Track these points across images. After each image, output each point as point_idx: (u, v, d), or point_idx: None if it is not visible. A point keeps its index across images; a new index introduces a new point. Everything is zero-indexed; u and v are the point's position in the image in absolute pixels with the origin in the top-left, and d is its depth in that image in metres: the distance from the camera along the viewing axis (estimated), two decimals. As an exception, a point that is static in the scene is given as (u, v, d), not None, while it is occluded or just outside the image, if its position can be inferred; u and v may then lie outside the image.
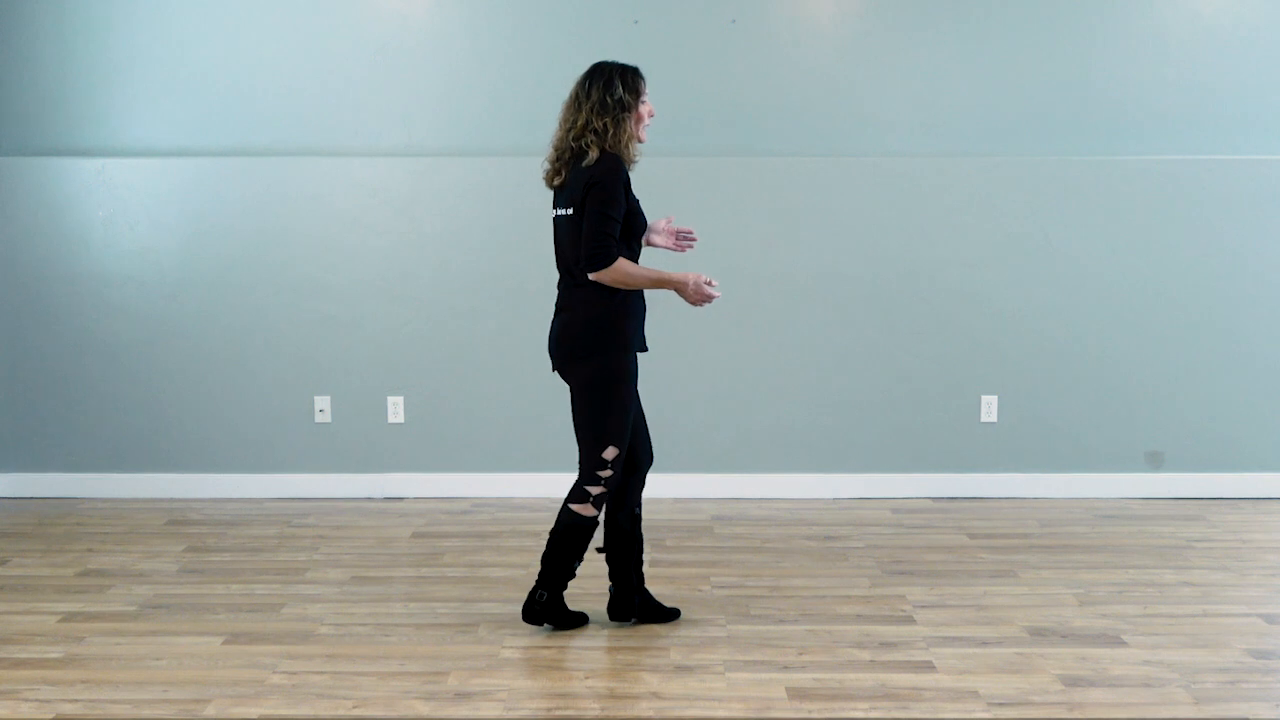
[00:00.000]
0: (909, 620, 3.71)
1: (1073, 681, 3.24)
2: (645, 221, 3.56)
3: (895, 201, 5.16)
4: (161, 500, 5.22)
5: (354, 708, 3.09)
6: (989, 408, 5.23)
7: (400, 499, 5.25)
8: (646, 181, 5.13)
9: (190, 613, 3.80)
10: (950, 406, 5.23)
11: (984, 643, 3.52)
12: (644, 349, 3.60)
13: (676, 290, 3.47)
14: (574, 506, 3.52)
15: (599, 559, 3.80)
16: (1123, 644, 3.51)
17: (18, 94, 5.18)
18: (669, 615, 3.71)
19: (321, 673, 3.31)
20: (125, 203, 5.16)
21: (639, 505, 3.67)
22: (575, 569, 3.59)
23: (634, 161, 3.51)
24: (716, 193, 5.16)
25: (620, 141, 3.44)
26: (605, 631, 3.62)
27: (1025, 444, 5.24)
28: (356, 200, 5.16)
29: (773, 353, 5.23)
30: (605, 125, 3.43)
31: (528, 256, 5.19)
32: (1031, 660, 3.39)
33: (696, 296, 3.47)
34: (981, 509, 5.06)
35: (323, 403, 5.25)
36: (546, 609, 3.59)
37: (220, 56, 5.15)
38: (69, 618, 3.75)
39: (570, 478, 5.25)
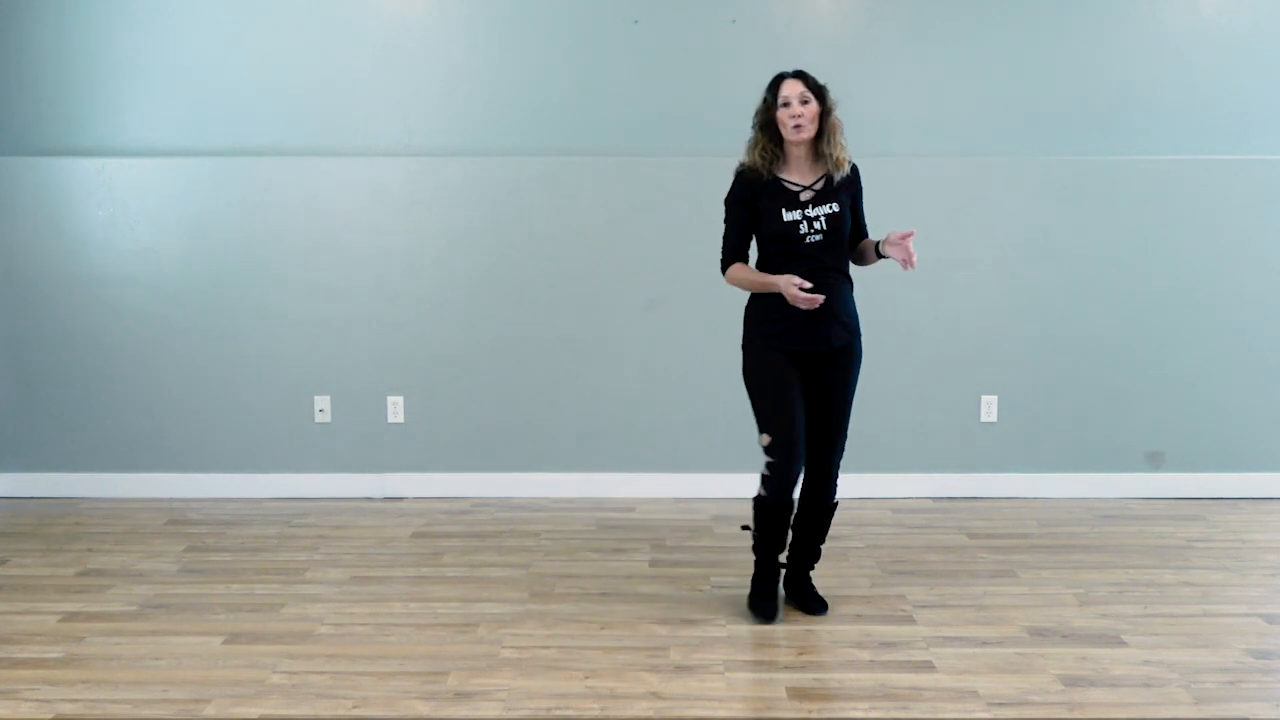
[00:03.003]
0: (909, 620, 3.71)
1: (1073, 681, 3.24)
2: (780, 228, 3.62)
3: (895, 201, 5.15)
4: (161, 500, 5.22)
5: (354, 708, 3.09)
6: (989, 408, 5.23)
7: (400, 499, 5.25)
8: (646, 181, 5.16)
9: (190, 613, 3.80)
10: (950, 406, 5.23)
11: (984, 643, 3.52)
12: (793, 345, 3.67)
13: (781, 293, 3.60)
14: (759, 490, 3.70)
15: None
16: (1123, 644, 3.51)
17: (18, 94, 5.18)
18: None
19: (321, 673, 3.31)
20: (125, 203, 5.16)
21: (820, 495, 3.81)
22: (756, 538, 3.73)
23: (767, 165, 3.68)
24: (716, 193, 5.15)
25: (751, 153, 3.72)
26: (605, 631, 3.62)
27: (1025, 444, 5.24)
28: (356, 200, 5.16)
29: (773, 353, 5.22)
30: (750, 138, 3.76)
31: (528, 256, 5.19)
32: (1031, 660, 3.39)
33: (790, 300, 3.55)
34: (981, 509, 5.06)
35: (323, 403, 5.25)
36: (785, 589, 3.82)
37: (220, 56, 5.15)
38: (69, 618, 3.75)
39: (569, 478, 5.29)
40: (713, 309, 5.19)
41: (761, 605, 3.73)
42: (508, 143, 5.17)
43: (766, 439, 3.64)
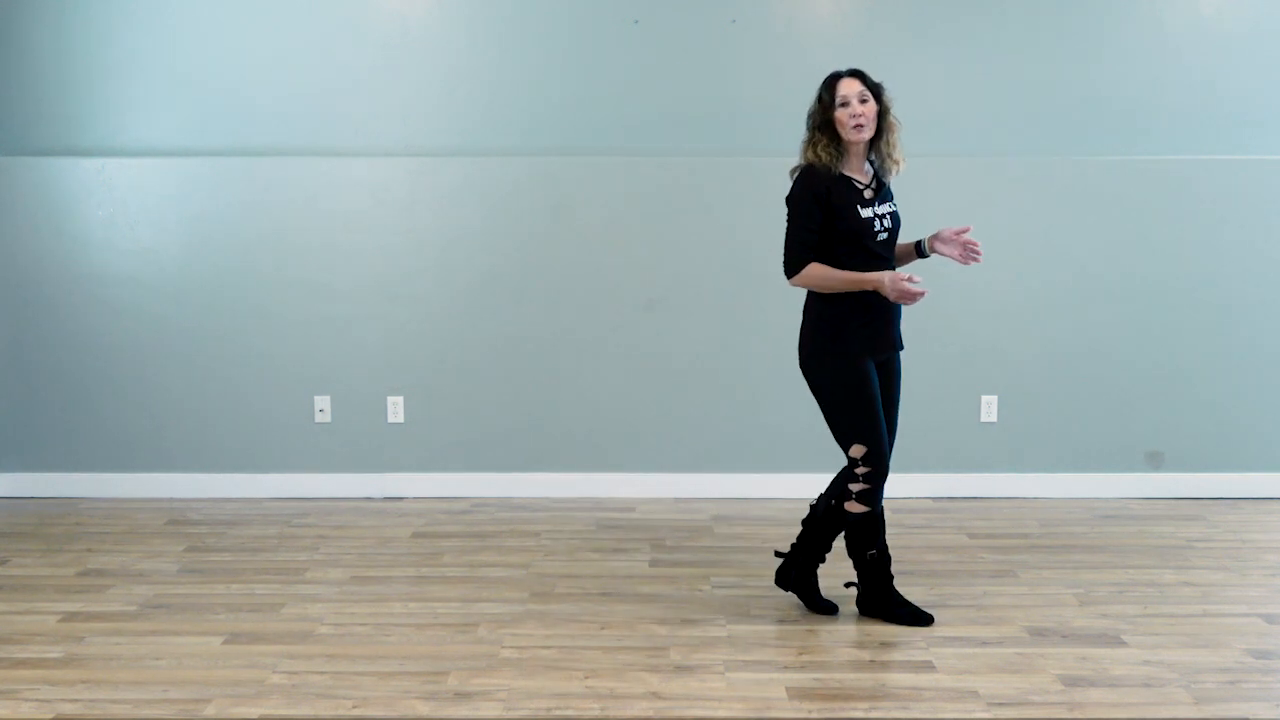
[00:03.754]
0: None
1: (1073, 681, 3.24)
2: (858, 225, 3.54)
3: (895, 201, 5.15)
4: (161, 500, 5.22)
5: (354, 708, 3.09)
6: (989, 408, 5.23)
7: (400, 499, 5.25)
8: (646, 181, 5.16)
9: (190, 613, 3.80)
10: (950, 406, 5.23)
11: (984, 643, 3.52)
12: (872, 352, 3.61)
13: (878, 290, 3.51)
14: (845, 506, 3.63)
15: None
16: (1123, 644, 3.51)
17: (18, 94, 5.18)
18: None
19: (321, 673, 3.31)
20: (125, 203, 5.16)
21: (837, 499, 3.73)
22: (873, 556, 3.66)
23: (834, 164, 3.55)
24: (715, 193, 5.17)
25: (812, 151, 3.58)
26: (605, 631, 3.62)
27: (1025, 444, 5.24)
28: (356, 200, 5.16)
29: (773, 353, 5.21)
30: (805, 138, 3.62)
31: (528, 256, 5.19)
32: (1031, 660, 3.39)
33: (895, 295, 3.49)
34: (981, 509, 5.06)
35: (323, 403, 5.25)
36: (867, 600, 3.72)
37: (220, 56, 5.15)
38: (69, 618, 3.75)
39: (569, 478, 5.29)
40: (713, 309, 5.20)
41: (918, 612, 3.68)
42: (508, 143, 5.17)
43: (861, 449, 3.56)
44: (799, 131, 5.13)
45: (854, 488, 3.60)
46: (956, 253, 3.69)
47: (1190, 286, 5.18)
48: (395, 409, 5.25)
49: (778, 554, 3.92)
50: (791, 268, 3.58)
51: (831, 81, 3.59)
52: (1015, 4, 5.12)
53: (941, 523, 4.86)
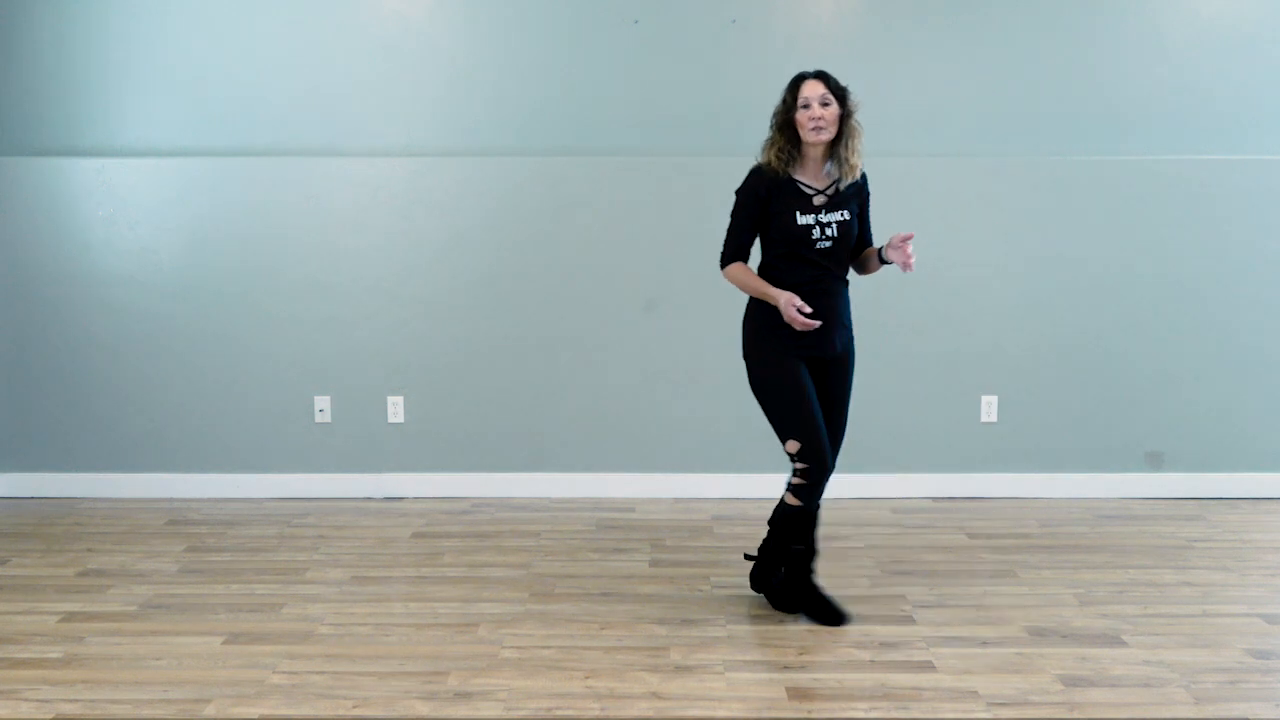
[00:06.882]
0: (909, 620, 3.71)
1: (1073, 681, 3.25)
2: (794, 231, 3.55)
3: (895, 201, 5.15)
4: (161, 500, 5.22)
5: (354, 708, 3.09)
6: (989, 408, 5.23)
7: (400, 499, 5.25)
8: (646, 181, 5.16)
9: (190, 613, 3.80)
10: (950, 406, 5.23)
11: (984, 643, 3.52)
12: (800, 354, 3.62)
13: (777, 306, 3.55)
14: (784, 495, 3.69)
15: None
16: (1123, 644, 3.51)
17: (18, 94, 5.18)
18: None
19: (321, 673, 3.31)
20: (125, 203, 5.16)
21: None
22: (797, 550, 3.69)
23: (784, 165, 3.57)
24: (715, 193, 5.16)
25: (767, 151, 3.62)
26: (605, 631, 3.62)
27: (1025, 444, 5.24)
28: (356, 200, 5.16)
29: (773, 353, 5.22)
30: (768, 137, 3.64)
31: (527, 256, 5.19)
32: (1031, 660, 3.39)
33: (787, 317, 3.51)
34: (981, 509, 5.06)
35: (323, 403, 5.25)
36: (778, 591, 3.76)
37: (220, 56, 5.15)
38: (69, 618, 3.75)
39: (569, 478, 5.29)
40: (713, 309, 5.20)
41: (837, 611, 3.67)
42: (508, 143, 5.17)
43: (795, 445, 3.58)
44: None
45: (793, 482, 3.64)
46: (900, 259, 3.58)
47: (1190, 286, 5.18)
48: (395, 409, 5.25)
49: (748, 556, 3.89)
50: (721, 262, 3.71)
51: (796, 83, 3.58)
52: (1015, 4, 5.12)
53: (941, 523, 4.86)
